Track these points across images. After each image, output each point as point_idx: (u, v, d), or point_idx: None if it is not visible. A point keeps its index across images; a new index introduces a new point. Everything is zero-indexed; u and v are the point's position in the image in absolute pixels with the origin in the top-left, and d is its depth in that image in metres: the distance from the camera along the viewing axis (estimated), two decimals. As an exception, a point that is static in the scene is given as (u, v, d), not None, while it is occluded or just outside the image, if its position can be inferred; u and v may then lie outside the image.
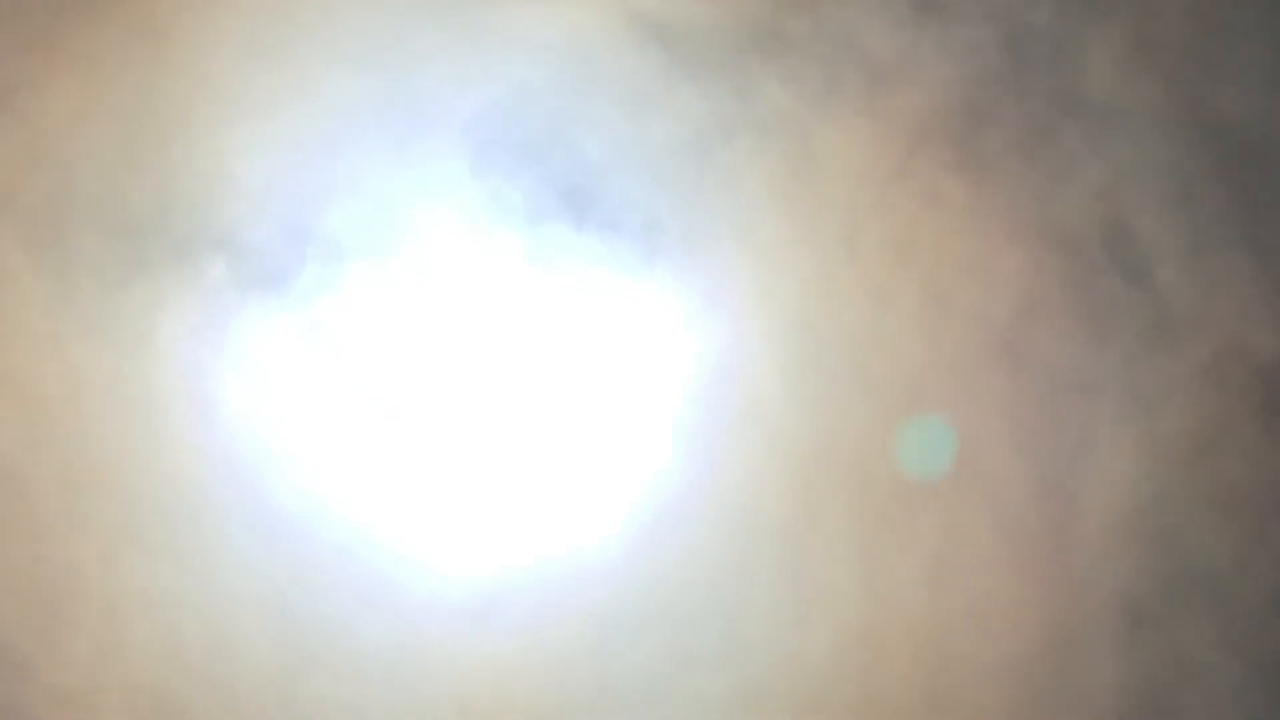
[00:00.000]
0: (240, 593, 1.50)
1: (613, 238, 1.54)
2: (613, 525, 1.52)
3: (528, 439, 1.53)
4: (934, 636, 1.52)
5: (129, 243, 1.51)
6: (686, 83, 1.53)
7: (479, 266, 1.53)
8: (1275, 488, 1.55)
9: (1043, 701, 1.53)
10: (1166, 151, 1.56)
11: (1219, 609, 1.55)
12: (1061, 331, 1.54)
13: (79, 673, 1.50)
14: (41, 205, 1.51)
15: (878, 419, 1.53)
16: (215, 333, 1.51)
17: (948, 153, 1.54)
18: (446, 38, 1.53)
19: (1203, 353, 1.56)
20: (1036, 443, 1.53)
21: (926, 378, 1.52)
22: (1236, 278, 1.56)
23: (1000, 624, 1.53)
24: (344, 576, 1.51)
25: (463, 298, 1.53)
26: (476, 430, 1.53)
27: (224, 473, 1.51)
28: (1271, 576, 1.55)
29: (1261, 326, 1.56)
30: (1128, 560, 1.54)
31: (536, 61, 1.53)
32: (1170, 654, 1.54)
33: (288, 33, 1.52)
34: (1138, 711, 1.54)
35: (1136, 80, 1.55)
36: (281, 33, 1.52)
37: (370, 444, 1.52)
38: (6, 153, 1.51)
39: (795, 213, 1.53)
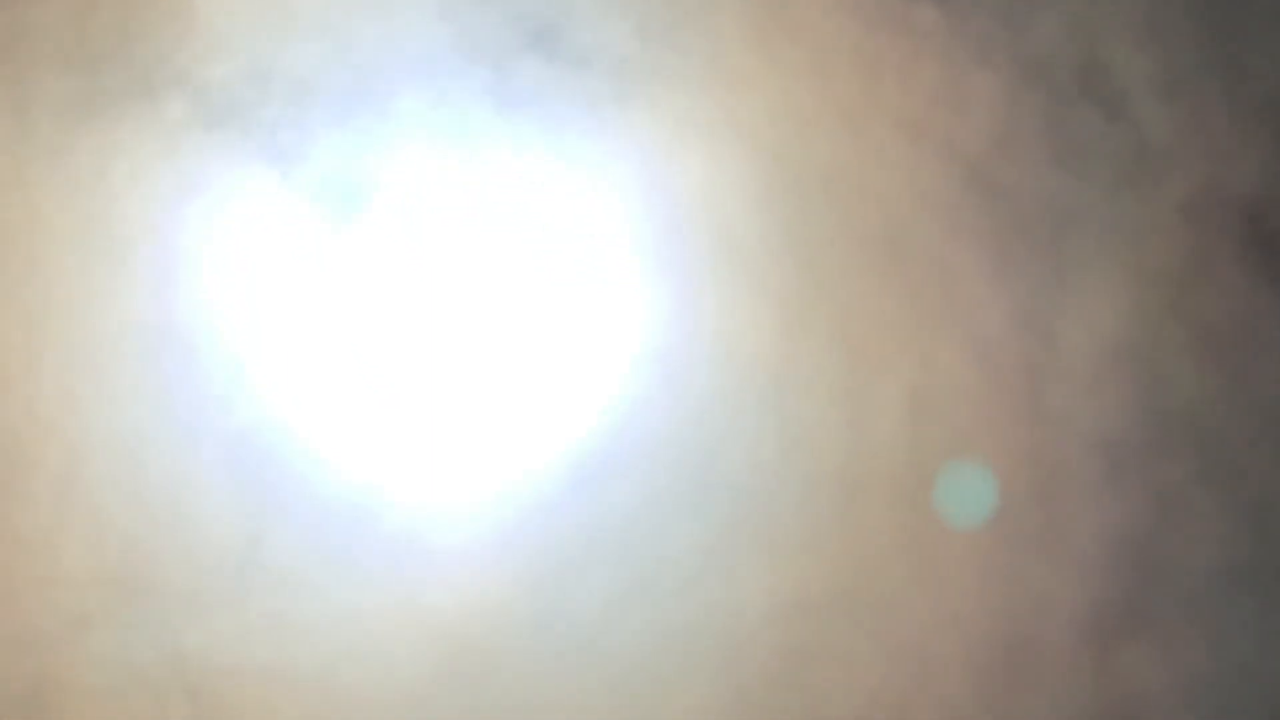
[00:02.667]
0: (203, 432, 1.47)
1: (583, 75, 1.51)
2: (588, 366, 1.50)
3: (501, 277, 1.50)
4: (913, 474, 1.50)
5: (88, 79, 1.48)
6: (655, -86, 1.51)
7: (447, 106, 1.50)
8: (1255, 324, 1.54)
9: (1022, 539, 1.51)
10: (1141, -15, 1.54)
11: (1200, 446, 1.52)
12: (1037, 163, 1.52)
13: (41, 515, 1.46)
14: (-1, 41, 1.48)
15: (853, 250, 1.50)
16: (176, 171, 1.48)
17: (920, -18, 1.52)
18: None
19: (1181, 189, 1.54)
20: (1013, 276, 1.51)
21: (900, 208, 1.50)
22: (1214, 113, 1.54)
23: (980, 459, 1.51)
24: (311, 415, 1.48)
25: (431, 137, 1.50)
26: (449, 269, 1.50)
27: (185, 310, 1.48)
28: (1252, 413, 1.53)
29: (1240, 162, 1.54)
30: (1107, 396, 1.52)
31: (503, -103, 1.51)
32: (1151, 492, 1.52)
33: None
34: (1119, 549, 1.51)
35: (1110, -88, 1.54)
36: None
37: (337, 283, 1.49)
38: (-37, -11, 1.48)
39: (765, 43, 1.51)
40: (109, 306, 1.47)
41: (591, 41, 1.51)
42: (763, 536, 1.49)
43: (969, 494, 1.46)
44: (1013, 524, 1.51)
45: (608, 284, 1.50)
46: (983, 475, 1.45)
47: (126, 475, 1.47)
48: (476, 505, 1.49)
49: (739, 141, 1.50)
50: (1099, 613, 1.51)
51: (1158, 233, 1.53)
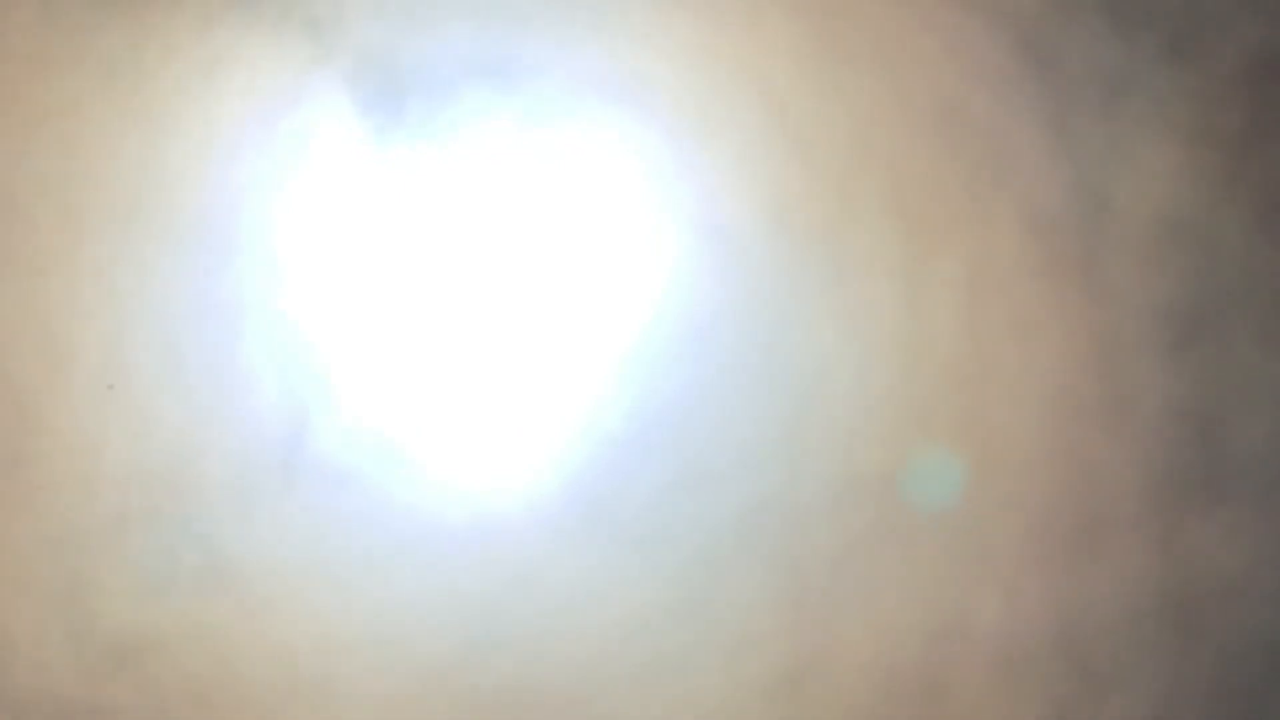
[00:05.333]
0: (246, 321, 1.43)
1: (623, -52, 1.48)
2: (638, 244, 1.46)
3: (544, 152, 1.46)
4: (973, 349, 1.47)
5: (117, -41, 1.44)
6: None
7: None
8: (1314, 193, 1.51)
9: (1084, 414, 1.48)
10: None
11: (1261, 316, 1.50)
12: (1090, 29, 1.49)
13: (79, 410, 1.42)
14: (24, -79, 1.44)
15: (904, 121, 1.47)
16: (210, 50, 1.44)
17: None
18: None
19: (1238, 55, 1.51)
20: (1068, 145, 1.48)
21: (951, 76, 1.47)
22: (1267, -22, 1.52)
23: (1040, 334, 1.47)
24: (355, 301, 1.45)
25: (474, 11, 1.46)
26: (490, 149, 1.46)
27: (223, 193, 1.44)
28: (1314, 282, 1.51)
29: (1293, 29, 1.52)
30: (1167, 267, 1.49)
31: None
32: (1213, 364, 1.49)
33: None
34: (1182, 423, 1.48)
35: None
36: None
37: (379, 165, 1.46)
38: None
39: (813, -90, 1.48)
40: (144, 191, 1.43)
41: (632, -86, 1.47)
42: (821, 417, 1.46)
43: None
44: (1074, 399, 1.47)
45: (654, 158, 1.46)
46: None
47: (166, 367, 1.43)
48: (527, 394, 1.46)
49: (784, 9, 1.47)
50: (1163, 487, 1.48)
51: (1215, 100, 1.50)
